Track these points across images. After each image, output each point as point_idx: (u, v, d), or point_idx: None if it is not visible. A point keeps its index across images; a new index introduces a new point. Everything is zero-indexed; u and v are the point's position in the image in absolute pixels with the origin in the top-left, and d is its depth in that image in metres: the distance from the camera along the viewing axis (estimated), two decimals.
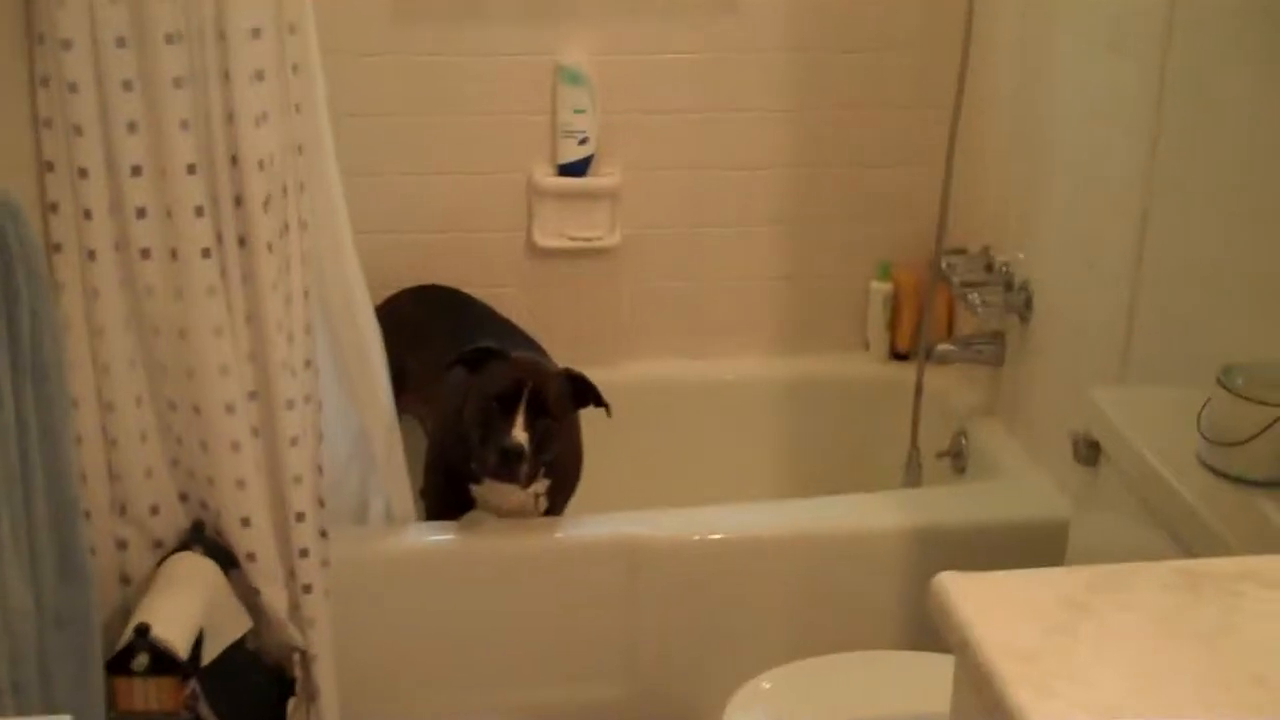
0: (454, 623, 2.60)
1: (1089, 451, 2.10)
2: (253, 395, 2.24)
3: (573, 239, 3.20)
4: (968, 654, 1.21)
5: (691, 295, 3.33)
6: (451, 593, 2.59)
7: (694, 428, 3.33)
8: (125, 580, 2.28)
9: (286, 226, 2.23)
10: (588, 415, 2.82)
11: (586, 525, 2.63)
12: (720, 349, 3.37)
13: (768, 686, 2.11)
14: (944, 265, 3.01)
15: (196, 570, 2.20)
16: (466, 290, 3.13)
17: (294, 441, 2.24)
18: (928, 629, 2.58)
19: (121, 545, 2.26)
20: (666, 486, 3.26)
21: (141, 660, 2.02)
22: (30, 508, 1.59)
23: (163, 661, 2.04)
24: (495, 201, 3.20)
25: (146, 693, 2.04)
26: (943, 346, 3.02)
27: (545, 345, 2.99)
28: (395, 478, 2.58)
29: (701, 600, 2.63)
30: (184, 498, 2.30)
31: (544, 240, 3.19)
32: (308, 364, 2.33)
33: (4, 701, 1.51)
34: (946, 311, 3.24)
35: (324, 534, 2.40)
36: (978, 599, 1.27)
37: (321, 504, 2.39)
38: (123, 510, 2.24)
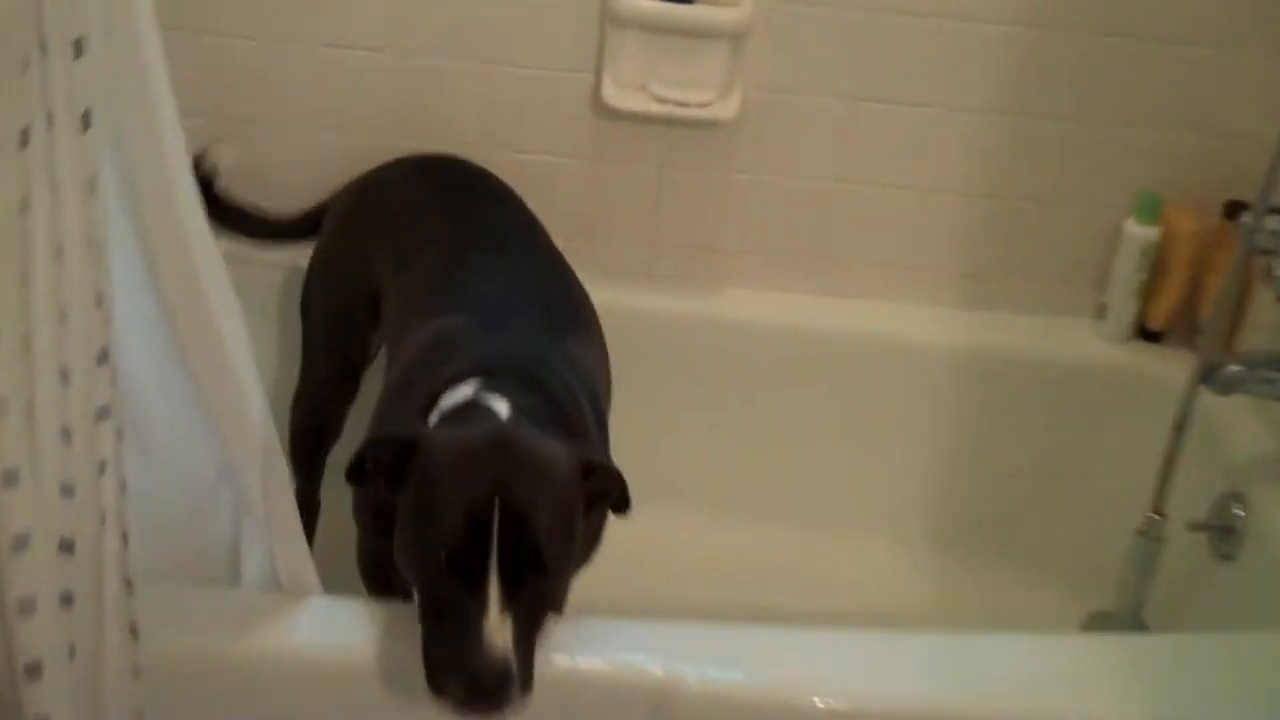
0: None
1: None
2: None
3: (663, 101, 2.04)
4: None
5: (839, 203, 2.17)
6: None
7: (813, 402, 2.22)
8: None
9: (48, 119, 1.15)
10: (653, 351, 1.92)
11: (593, 646, 1.54)
12: (872, 288, 2.22)
13: None
14: (1253, 224, 1.80)
15: None
16: (496, 156, 2.02)
17: (20, 544, 1.20)
18: None
19: None
20: (756, 488, 2.22)
21: None
22: None
23: None
24: (549, 26, 2.05)
25: None
26: (1232, 368, 1.83)
27: (600, 253, 2.02)
28: (280, 524, 1.54)
29: None
30: None
31: (618, 98, 2.05)
32: (101, 357, 1.29)
33: None
34: (1242, 290, 2.04)
35: (134, 632, 1.40)
36: None
37: (129, 586, 1.38)
38: None
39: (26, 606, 1.22)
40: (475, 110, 2.09)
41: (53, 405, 1.23)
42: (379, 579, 1.74)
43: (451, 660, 1.34)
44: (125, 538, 1.38)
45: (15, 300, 1.17)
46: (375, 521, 1.64)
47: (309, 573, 1.57)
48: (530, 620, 1.36)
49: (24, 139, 1.14)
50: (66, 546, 1.28)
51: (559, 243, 1.88)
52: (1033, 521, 2.19)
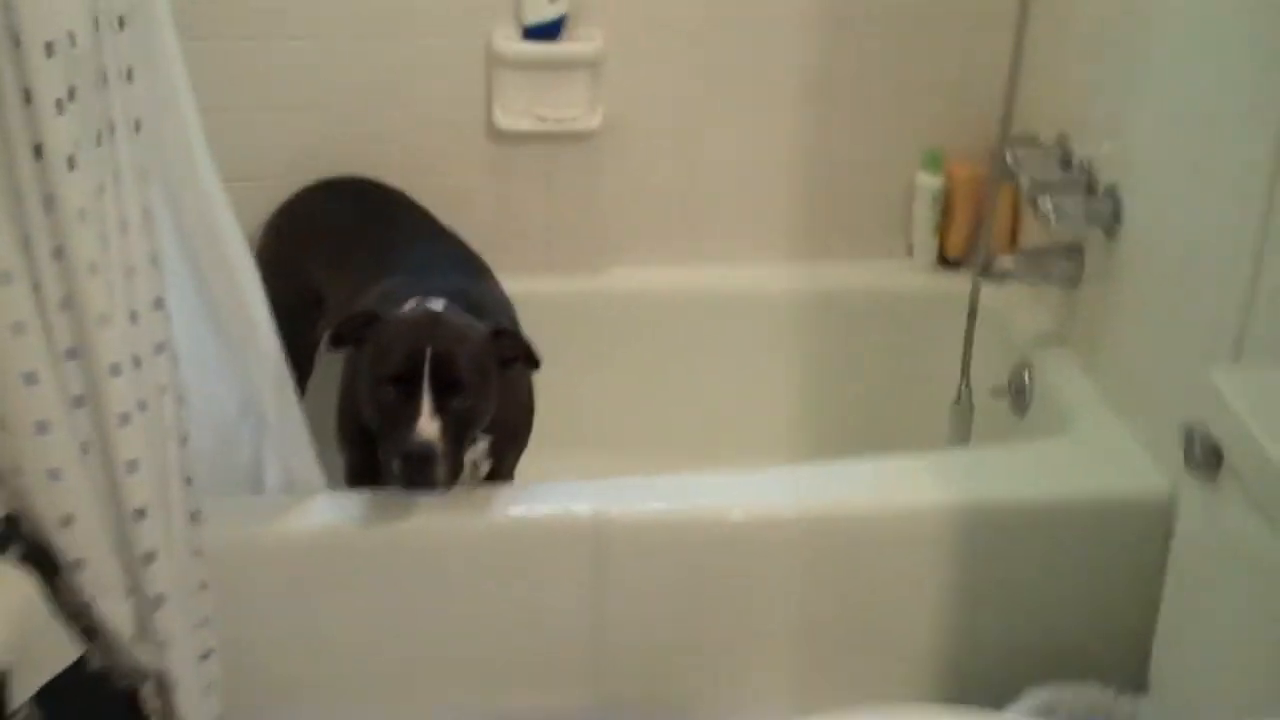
0: (375, 618, 2.05)
1: (1207, 456, 1.51)
2: (71, 354, 1.66)
3: (543, 119, 2.57)
4: None
5: (692, 187, 2.71)
6: (370, 581, 2.03)
7: (693, 352, 2.75)
8: None
9: (110, 128, 1.63)
10: (561, 326, 2.37)
11: (541, 497, 2.06)
12: (728, 253, 2.76)
13: None
14: (1009, 158, 2.37)
15: None
16: (412, 184, 2.53)
17: (124, 419, 1.67)
18: (972, 636, 2.03)
19: None
20: (656, 428, 2.72)
21: None
22: None
23: None
24: (445, 71, 2.57)
25: None
26: (1004, 260, 2.39)
27: (509, 253, 2.49)
28: (292, 436, 2.02)
29: (686, 592, 2.07)
30: None
31: (507, 121, 2.58)
32: (158, 304, 1.76)
33: None
34: (1010, 216, 2.62)
35: (195, 517, 1.86)
36: None
37: (188, 481, 1.84)
38: None
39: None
40: (382, 150, 2.57)
41: (111, 347, 1.68)
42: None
43: (395, 446, 1.85)
44: (185, 439, 1.85)
45: (100, 259, 1.65)
46: (357, 460, 2.13)
47: (316, 473, 2.05)
48: (455, 428, 1.87)
49: (98, 140, 1.63)
50: (130, 466, 1.74)
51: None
52: (869, 419, 2.73)
